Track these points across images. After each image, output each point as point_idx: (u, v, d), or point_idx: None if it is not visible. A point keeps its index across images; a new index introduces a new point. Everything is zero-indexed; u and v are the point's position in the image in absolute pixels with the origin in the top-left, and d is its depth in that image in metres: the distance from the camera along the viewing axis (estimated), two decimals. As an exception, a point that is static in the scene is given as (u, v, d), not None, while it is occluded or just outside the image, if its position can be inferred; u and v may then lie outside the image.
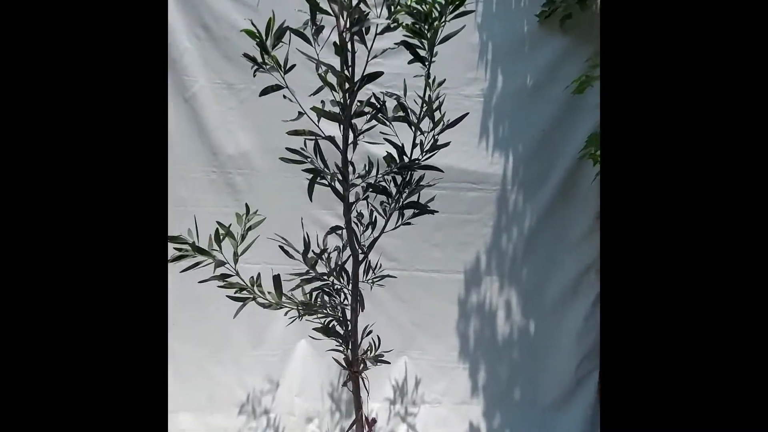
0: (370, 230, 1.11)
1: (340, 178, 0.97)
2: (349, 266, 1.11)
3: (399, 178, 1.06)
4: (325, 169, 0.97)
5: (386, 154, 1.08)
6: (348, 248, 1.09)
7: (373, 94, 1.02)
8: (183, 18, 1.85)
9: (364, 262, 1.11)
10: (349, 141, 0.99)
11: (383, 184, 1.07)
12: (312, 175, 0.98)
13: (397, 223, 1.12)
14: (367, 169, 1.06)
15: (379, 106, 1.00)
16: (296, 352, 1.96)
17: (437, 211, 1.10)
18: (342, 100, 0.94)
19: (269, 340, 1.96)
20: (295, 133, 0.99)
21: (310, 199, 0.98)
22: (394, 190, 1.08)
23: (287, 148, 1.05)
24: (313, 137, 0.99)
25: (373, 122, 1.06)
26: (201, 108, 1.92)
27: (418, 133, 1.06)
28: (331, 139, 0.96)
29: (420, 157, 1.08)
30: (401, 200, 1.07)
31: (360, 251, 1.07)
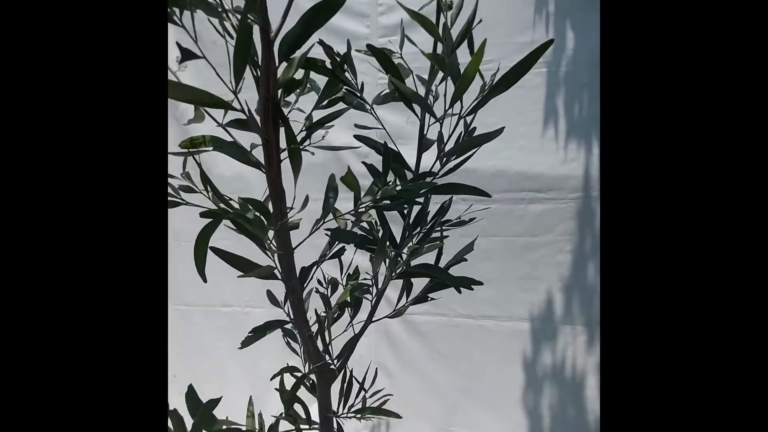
0: (348, 315, 0.55)
1: (261, 222, 0.42)
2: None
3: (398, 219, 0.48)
4: (227, 208, 0.43)
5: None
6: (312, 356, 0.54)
7: (320, 40, 0.47)
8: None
9: (341, 377, 0.55)
10: (281, 147, 0.44)
11: (364, 225, 0.51)
12: (210, 221, 0.45)
13: (398, 303, 0.54)
14: (329, 198, 0.50)
15: (332, 65, 0.44)
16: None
17: (479, 284, 0.51)
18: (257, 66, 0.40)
19: (273, 402, 1.51)
20: (191, 144, 0.47)
21: (203, 277, 0.46)
22: (395, 237, 0.51)
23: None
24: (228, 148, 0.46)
25: (339, 107, 0.51)
26: (193, 126, 1.55)
27: (428, 118, 0.48)
28: (233, 149, 0.42)
29: (438, 168, 0.50)
30: (401, 259, 0.50)
31: (330, 361, 0.52)
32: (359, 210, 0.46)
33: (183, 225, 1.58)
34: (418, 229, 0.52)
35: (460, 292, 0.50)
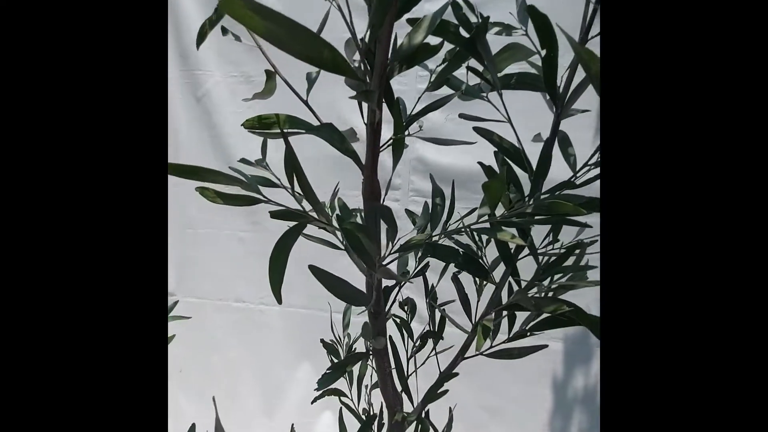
0: (431, 346, 0.43)
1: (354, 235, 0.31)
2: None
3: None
4: (311, 213, 0.32)
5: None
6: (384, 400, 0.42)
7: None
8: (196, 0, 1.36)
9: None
10: (382, 138, 0.33)
11: (472, 243, 0.39)
12: (293, 226, 0.33)
13: (493, 339, 0.43)
14: (437, 205, 0.39)
15: (472, 32, 0.32)
16: (318, 427, 1.36)
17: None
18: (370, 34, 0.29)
19: (286, 408, 1.40)
20: (259, 124, 0.35)
21: (278, 298, 0.34)
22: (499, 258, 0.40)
23: (241, 161, 0.43)
24: (302, 131, 0.34)
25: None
26: (215, 108, 1.43)
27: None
28: (330, 132, 0.31)
29: (576, 176, 0.39)
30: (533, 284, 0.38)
31: (412, 405, 0.40)
32: (480, 225, 0.35)
33: (200, 213, 1.45)
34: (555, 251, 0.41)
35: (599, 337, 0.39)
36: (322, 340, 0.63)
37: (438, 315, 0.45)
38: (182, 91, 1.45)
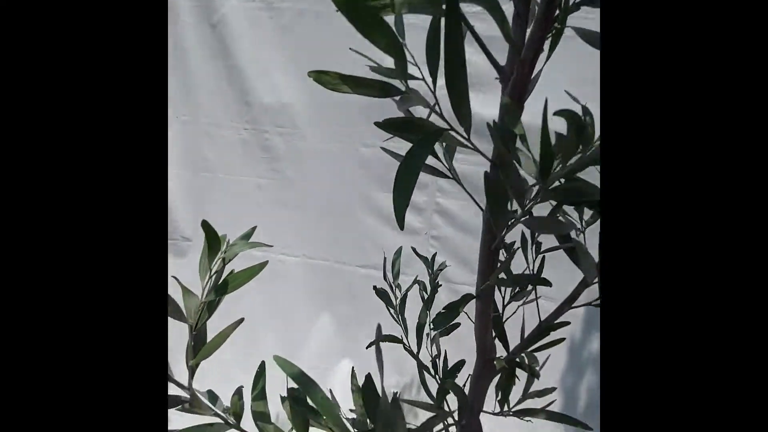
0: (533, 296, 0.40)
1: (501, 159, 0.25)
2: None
3: None
4: (454, 132, 0.26)
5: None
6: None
7: None
8: None
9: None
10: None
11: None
12: (428, 135, 0.27)
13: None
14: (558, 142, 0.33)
15: None
16: (336, 374, 1.39)
17: None
18: None
19: (304, 355, 1.41)
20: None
21: (400, 223, 0.29)
22: None
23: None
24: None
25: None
26: (231, 38, 1.29)
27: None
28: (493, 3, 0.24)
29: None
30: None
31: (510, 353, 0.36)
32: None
33: (216, 156, 1.37)
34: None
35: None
36: (374, 287, 0.60)
37: (538, 261, 0.42)
38: (194, 15, 1.30)
